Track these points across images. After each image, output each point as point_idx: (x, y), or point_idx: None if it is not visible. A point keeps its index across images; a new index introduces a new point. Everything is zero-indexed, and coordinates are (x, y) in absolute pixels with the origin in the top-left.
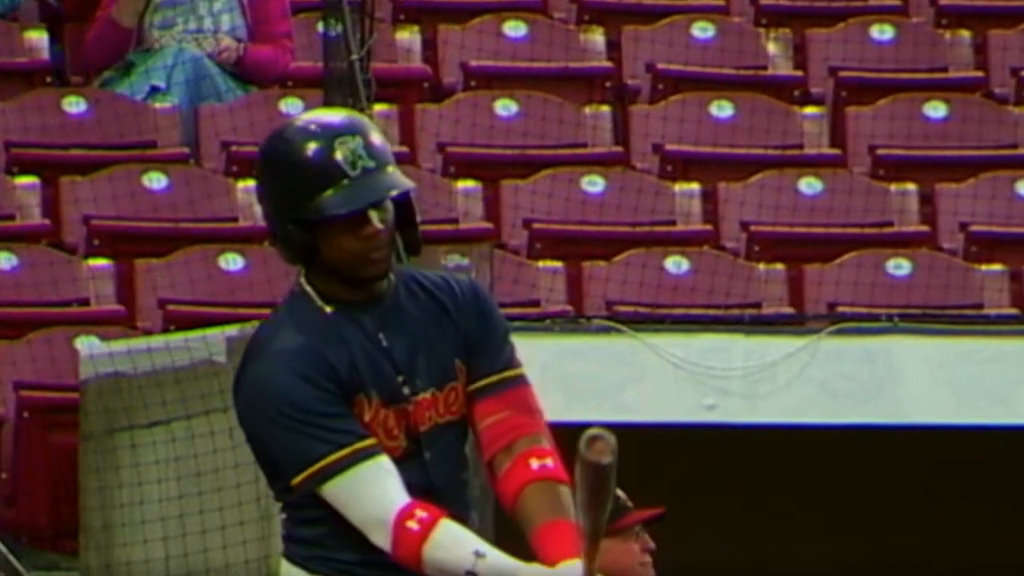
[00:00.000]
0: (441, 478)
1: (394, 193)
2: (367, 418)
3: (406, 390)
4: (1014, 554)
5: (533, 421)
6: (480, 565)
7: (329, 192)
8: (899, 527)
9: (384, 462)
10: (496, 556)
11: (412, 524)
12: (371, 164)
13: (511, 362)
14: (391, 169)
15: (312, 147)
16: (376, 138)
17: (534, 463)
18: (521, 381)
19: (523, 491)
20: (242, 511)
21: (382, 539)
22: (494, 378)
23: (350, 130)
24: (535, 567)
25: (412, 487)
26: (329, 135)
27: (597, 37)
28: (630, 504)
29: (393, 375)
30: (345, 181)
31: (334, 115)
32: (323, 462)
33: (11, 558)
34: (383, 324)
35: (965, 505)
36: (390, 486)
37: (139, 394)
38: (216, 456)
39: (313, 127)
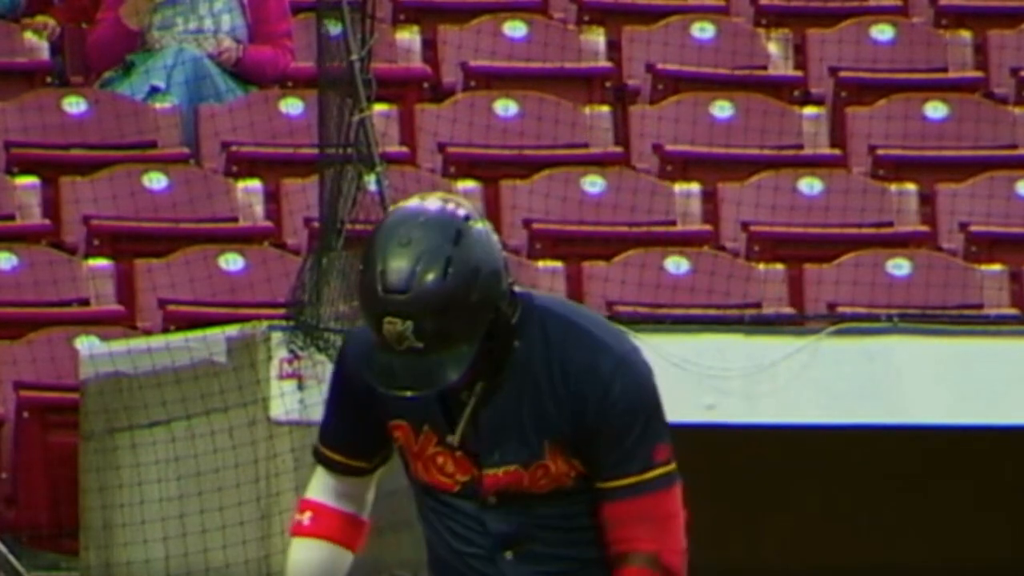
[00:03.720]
0: (509, 525)
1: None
2: (414, 448)
3: (452, 442)
4: (1014, 555)
5: (650, 536)
6: None
7: None
8: (898, 527)
9: (331, 479)
10: None
11: (300, 517)
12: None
13: (639, 466)
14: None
15: None
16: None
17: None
18: (647, 488)
19: None
20: (242, 511)
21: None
22: (613, 484)
23: None
24: None
25: (469, 521)
26: None
27: (597, 37)
28: None
29: (446, 427)
30: None
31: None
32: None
33: (11, 558)
34: (478, 388)
35: (965, 505)
36: (315, 487)
37: (139, 394)
38: (216, 456)
39: None
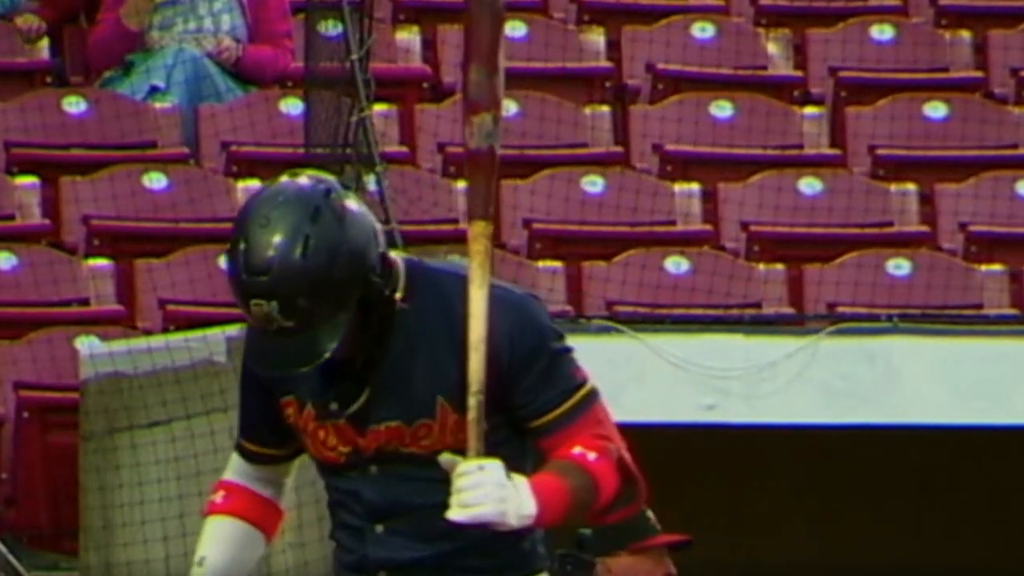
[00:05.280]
0: (384, 496)
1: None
2: (299, 423)
3: (335, 410)
4: (1014, 555)
5: (599, 437)
6: (194, 571)
7: None
8: (898, 527)
9: (248, 465)
10: (208, 569)
11: (214, 496)
12: None
13: (569, 391)
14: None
15: None
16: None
17: (576, 449)
18: (583, 408)
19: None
20: None
21: None
22: (550, 416)
23: None
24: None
25: (348, 494)
26: None
27: (597, 37)
28: (658, 527)
29: (329, 394)
30: None
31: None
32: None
33: (11, 558)
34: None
35: (965, 505)
36: (232, 470)
37: (139, 394)
38: (216, 456)
39: None
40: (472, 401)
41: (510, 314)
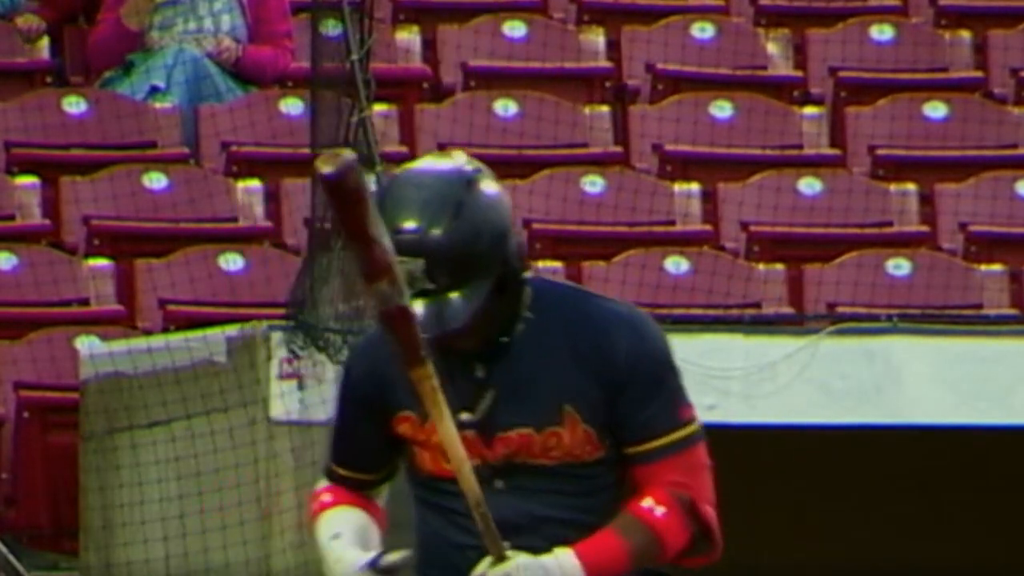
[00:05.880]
0: (515, 511)
1: None
2: (420, 437)
3: (466, 420)
4: (1014, 555)
5: (683, 484)
6: (333, 544)
7: None
8: (898, 527)
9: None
10: (346, 539)
11: (321, 498)
12: None
13: (670, 425)
14: None
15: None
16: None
17: (646, 502)
18: (680, 447)
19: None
20: (242, 511)
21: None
22: (647, 446)
23: None
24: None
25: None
26: None
27: (597, 37)
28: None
29: (454, 402)
30: None
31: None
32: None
33: (11, 558)
34: (491, 354)
35: (965, 505)
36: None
37: (139, 394)
38: (216, 456)
39: None
40: (476, 515)
41: (629, 332)
